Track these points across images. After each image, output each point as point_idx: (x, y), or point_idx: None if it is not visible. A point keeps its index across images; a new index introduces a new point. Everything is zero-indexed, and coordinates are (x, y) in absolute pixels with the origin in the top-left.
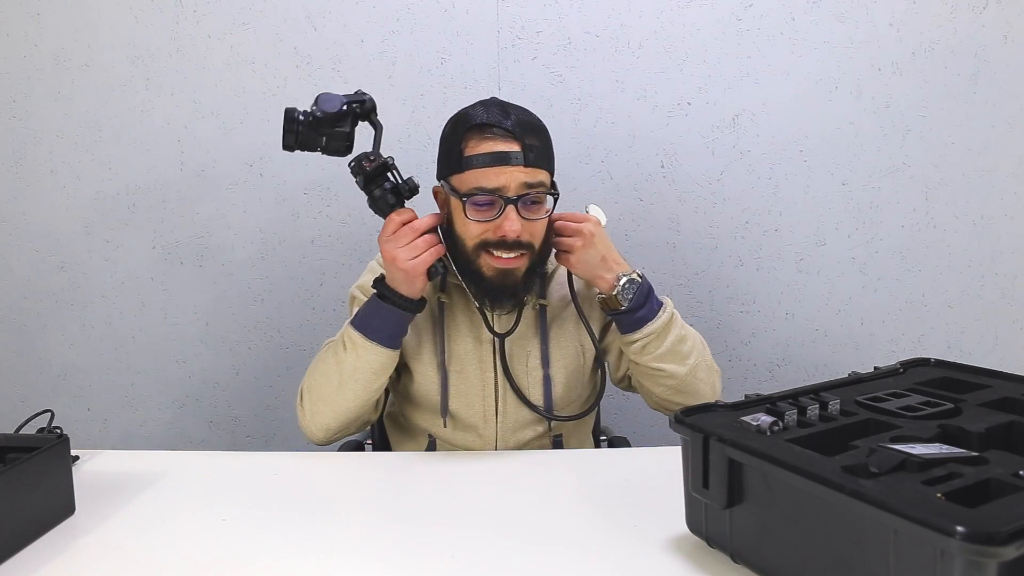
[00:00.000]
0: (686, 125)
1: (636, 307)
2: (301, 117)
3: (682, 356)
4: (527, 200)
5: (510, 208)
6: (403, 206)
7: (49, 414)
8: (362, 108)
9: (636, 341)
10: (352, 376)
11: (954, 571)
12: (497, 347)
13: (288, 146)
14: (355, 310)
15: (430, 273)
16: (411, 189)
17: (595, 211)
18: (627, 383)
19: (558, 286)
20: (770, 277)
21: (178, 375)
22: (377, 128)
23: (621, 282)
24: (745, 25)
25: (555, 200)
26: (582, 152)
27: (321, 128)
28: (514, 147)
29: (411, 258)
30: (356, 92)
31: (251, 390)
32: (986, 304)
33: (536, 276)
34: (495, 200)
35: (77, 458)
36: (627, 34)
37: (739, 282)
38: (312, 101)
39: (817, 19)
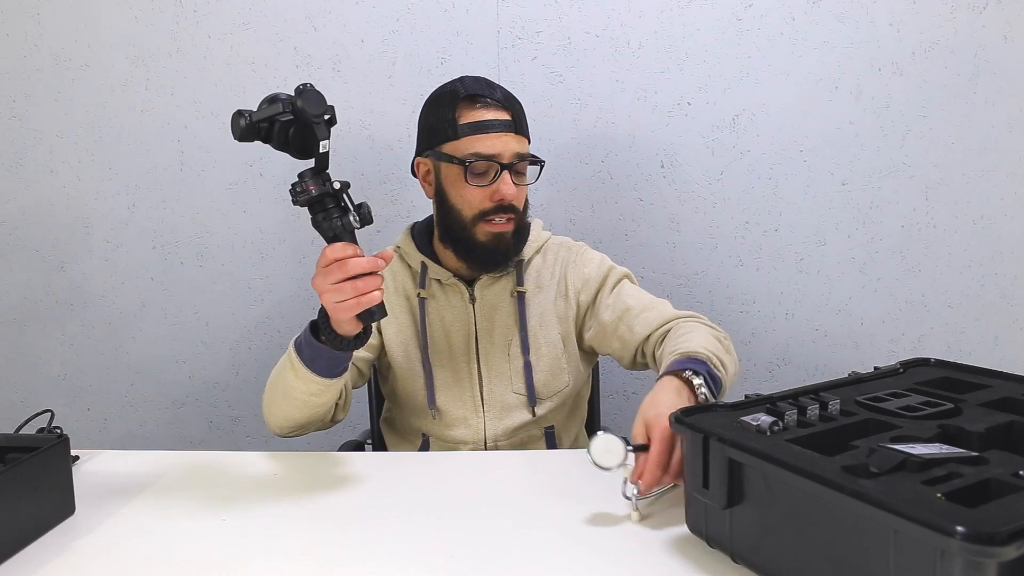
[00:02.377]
0: (686, 125)
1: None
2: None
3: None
4: (518, 169)
5: (506, 173)
6: (344, 239)
7: (49, 414)
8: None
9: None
10: (291, 394)
11: (954, 571)
12: (475, 314)
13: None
14: None
15: (362, 317)
16: (356, 222)
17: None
18: (642, 364)
19: (534, 272)
20: (770, 277)
21: (178, 375)
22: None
23: (703, 389)
24: (745, 25)
25: (540, 167)
26: (582, 152)
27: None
28: (505, 116)
29: (335, 301)
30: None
31: (251, 390)
32: (986, 304)
33: (522, 239)
34: (491, 166)
35: (77, 458)
36: (627, 34)
37: (739, 282)
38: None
39: (817, 19)
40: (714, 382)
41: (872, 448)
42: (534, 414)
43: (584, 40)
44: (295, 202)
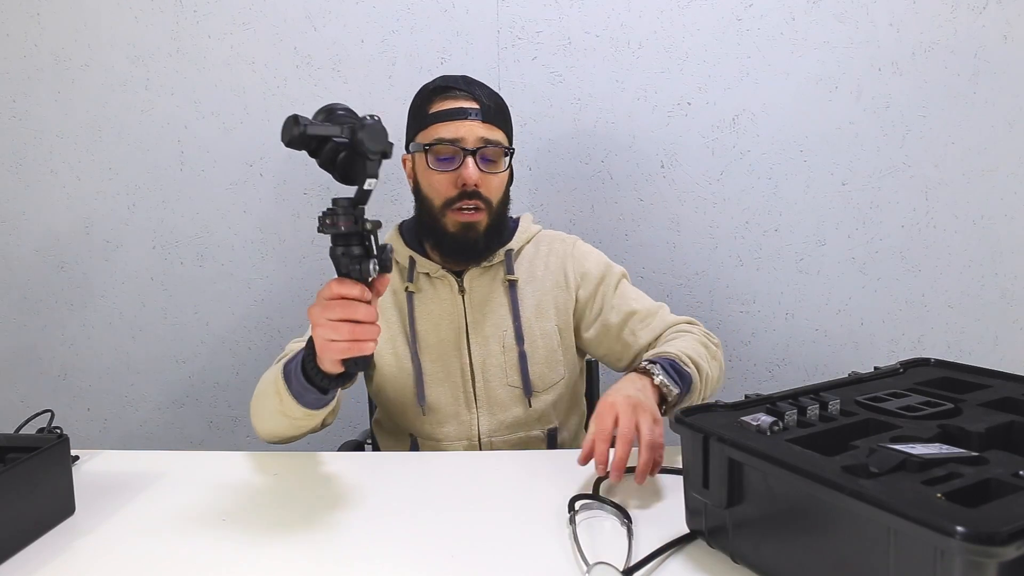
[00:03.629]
0: (686, 125)
1: (682, 387)
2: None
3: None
4: (485, 155)
5: (469, 158)
6: (356, 280)
7: (49, 414)
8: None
9: (691, 402)
10: (275, 417)
11: (954, 571)
12: (465, 306)
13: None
14: None
15: (347, 363)
16: (374, 271)
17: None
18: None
19: (526, 261)
20: (770, 277)
21: (178, 375)
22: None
23: (659, 377)
24: (745, 25)
25: (510, 156)
26: (582, 152)
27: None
28: (473, 104)
29: (327, 338)
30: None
31: (251, 390)
32: (986, 304)
33: (498, 235)
34: (455, 152)
35: (77, 458)
36: (627, 34)
37: (739, 282)
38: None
39: (817, 19)
40: (680, 377)
41: (872, 448)
42: (530, 405)
43: (584, 40)
44: (320, 230)
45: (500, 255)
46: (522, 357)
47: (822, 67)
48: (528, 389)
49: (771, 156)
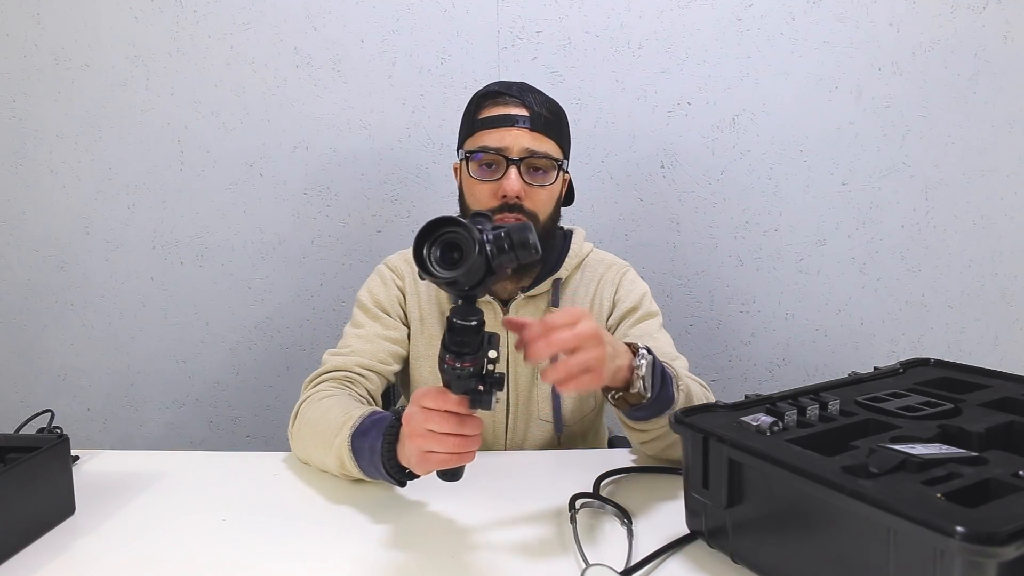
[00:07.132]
0: (686, 125)
1: (657, 395)
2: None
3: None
4: (531, 165)
5: (512, 168)
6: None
7: (49, 414)
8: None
9: (647, 431)
10: (327, 465)
11: (954, 571)
12: (508, 336)
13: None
14: (360, 317)
15: (442, 473)
16: (496, 401)
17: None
18: None
19: (571, 290)
20: (770, 277)
21: (178, 375)
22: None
23: (642, 368)
24: (745, 25)
25: (560, 170)
26: (582, 152)
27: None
28: (522, 111)
29: (427, 449)
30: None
31: (251, 390)
32: (986, 304)
33: (545, 249)
34: (498, 161)
35: (77, 458)
36: (627, 34)
37: (739, 282)
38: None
39: (817, 19)
40: (663, 380)
41: (872, 448)
42: (559, 443)
43: (584, 40)
44: (447, 363)
45: (548, 284)
46: (555, 393)
47: (822, 67)
48: (559, 426)
49: (771, 156)
